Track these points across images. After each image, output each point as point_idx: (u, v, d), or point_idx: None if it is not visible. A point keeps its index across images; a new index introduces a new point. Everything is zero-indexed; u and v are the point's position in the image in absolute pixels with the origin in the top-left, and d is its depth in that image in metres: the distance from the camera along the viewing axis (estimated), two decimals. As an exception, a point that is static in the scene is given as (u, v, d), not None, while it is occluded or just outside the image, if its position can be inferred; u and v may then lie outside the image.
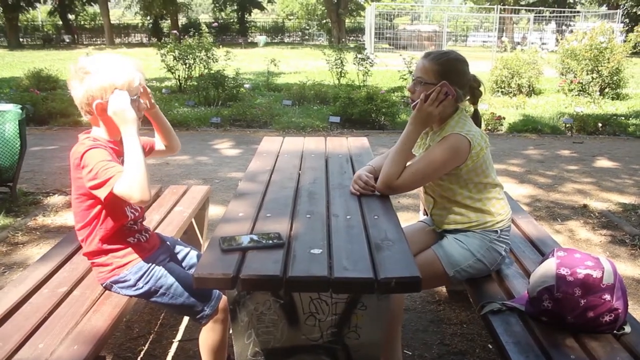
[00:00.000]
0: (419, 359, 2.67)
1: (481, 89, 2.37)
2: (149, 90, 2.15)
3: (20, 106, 4.56)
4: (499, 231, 2.34)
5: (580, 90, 11.25)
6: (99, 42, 31.52)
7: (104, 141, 2.02)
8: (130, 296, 2.17)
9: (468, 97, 2.35)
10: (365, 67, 11.44)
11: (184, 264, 2.36)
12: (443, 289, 3.34)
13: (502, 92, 11.45)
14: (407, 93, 10.74)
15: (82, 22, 36.06)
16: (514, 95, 11.16)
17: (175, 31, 14.91)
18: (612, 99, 11.21)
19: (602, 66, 11.06)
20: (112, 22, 31.97)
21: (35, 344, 1.84)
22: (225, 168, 6.23)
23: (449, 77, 2.21)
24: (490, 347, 2.76)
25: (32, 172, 5.85)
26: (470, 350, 2.75)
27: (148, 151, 2.34)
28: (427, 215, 2.62)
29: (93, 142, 1.97)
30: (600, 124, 8.61)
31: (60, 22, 33.78)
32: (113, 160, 1.91)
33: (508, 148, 7.48)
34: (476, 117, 2.40)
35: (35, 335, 1.90)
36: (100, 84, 1.93)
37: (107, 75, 1.94)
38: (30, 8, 32.47)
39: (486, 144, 2.29)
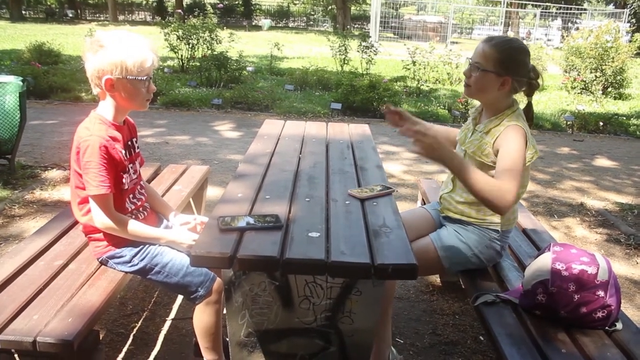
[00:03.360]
0: (410, 348, 2.68)
1: (539, 80, 2.23)
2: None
3: (21, 78, 4.53)
4: (500, 231, 2.32)
5: (583, 88, 11.22)
6: (102, 19, 31.24)
7: (107, 123, 2.06)
8: (126, 272, 2.18)
9: (524, 88, 2.23)
10: (369, 56, 11.38)
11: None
12: (437, 279, 3.35)
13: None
14: (409, 83, 10.73)
15: (86, -3, 35.75)
16: (517, 90, 11.12)
17: (179, 10, 14.86)
18: (615, 98, 11.19)
19: (606, 65, 11.03)
20: (116, -2, 31.70)
21: (30, 315, 1.85)
22: (225, 150, 6.22)
23: (508, 67, 2.11)
24: (482, 338, 2.78)
25: (31, 145, 5.83)
26: (461, 340, 2.76)
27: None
28: (424, 204, 2.61)
29: (97, 130, 2.00)
30: (601, 123, 8.60)
31: (64, -4, 33.48)
32: (108, 163, 1.99)
33: (508, 143, 7.46)
34: (529, 110, 2.27)
35: (30, 306, 1.91)
36: (112, 59, 1.95)
37: (119, 52, 1.96)
38: (34, -20, 32.19)
39: (536, 151, 2.17)
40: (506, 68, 2.12)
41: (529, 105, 2.29)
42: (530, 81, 2.20)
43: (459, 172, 2.02)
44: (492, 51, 2.13)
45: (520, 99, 2.31)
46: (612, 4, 31.07)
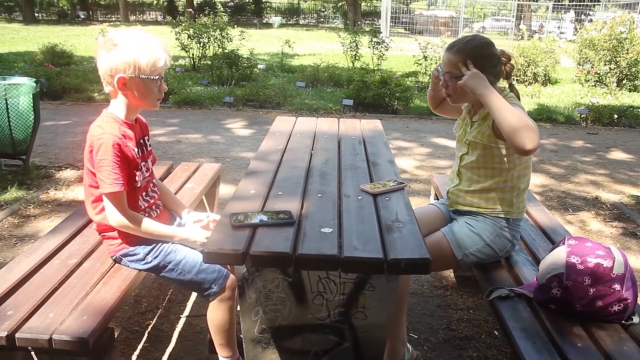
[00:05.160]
0: (424, 343, 2.67)
1: (512, 62, 2.34)
2: None
3: (34, 80, 4.58)
4: (510, 220, 2.33)
5: (597, 81, 11.08)
6: (113, 19, 31.48)
7: (120, 121, 2.07)
8: (139, 270, 2.19)
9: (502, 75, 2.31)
10: (380, 51, 11.33)
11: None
12: (451, 274, 3.33)
13: (517, 80, 11.31)
14: (421, 78, 10.69)
15: (98, -2, 36.00)
16: (530, 83, 11.03)
17: (190, 9, 14.89)
18: (630, 90, 11.04)
19: (620, 57, 10.88)
20: (127, -1, 31.90)
21: (46, 313, 1.87)
22: (237, 147, 6.23)
23: (477, 65, 2.16)
24: (496, 333, 2.76)
25: (45, 146, 5.89)
26: (476, 335, 2.75)
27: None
28: (437, 199, 2.60)
29: (110, 128, 2.02)
30: (616, 116, 8.50)
31: (76, -2, 33.76)
32: (121, 161, 2.00)
33: (521, 137, 7.40)
34: (512, 92, 2.31)
35: (46, 304, 1.93)
36: (125, 58, 1.96)
37: (132, 51, 1.97)
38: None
39: (536, 126, 2.07)
40: (476, 67, 2.16)
41: (511, 87, 2.35)
42: (504, 66, 2.30)
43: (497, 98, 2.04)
44: (456, 57, 2.21)
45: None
46: (625, -5, 30.66)
